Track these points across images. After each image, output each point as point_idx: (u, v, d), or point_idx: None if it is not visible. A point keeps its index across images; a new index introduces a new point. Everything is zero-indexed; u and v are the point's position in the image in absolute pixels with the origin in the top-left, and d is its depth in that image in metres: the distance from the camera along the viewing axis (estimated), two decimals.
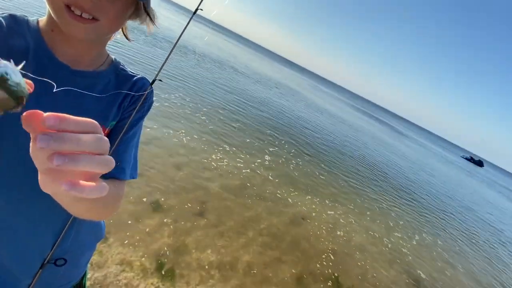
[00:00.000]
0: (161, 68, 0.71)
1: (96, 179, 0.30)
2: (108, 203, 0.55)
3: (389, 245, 4.21)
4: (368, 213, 5.05)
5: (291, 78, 35.82)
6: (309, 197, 4.48)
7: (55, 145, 0.25)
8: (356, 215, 4.70)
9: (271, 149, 5.76)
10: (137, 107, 0.67)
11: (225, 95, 8.72)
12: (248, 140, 5.63)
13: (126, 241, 2.10)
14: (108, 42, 0.67)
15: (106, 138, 0.29)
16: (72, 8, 0.49)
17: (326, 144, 9.02)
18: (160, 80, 0.68)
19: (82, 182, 0.28)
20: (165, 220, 2.47)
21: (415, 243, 4.77)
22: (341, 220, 4.24)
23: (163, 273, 2.00)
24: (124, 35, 0.71)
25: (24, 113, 0.26)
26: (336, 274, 2.89)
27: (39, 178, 0.31)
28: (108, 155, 0.56)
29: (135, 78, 0.69)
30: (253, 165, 4.57)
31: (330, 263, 3.02)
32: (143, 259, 2.03)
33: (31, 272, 0.62)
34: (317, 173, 5.74)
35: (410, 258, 4.13)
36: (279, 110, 10.56)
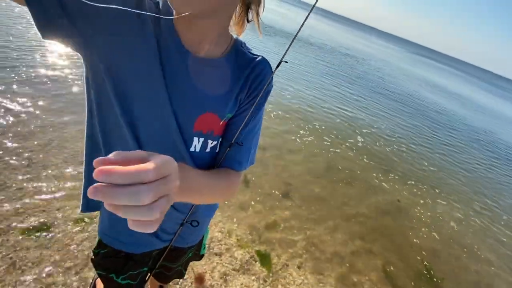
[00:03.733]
0: (287, 50, 0.65)
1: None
2: (216, 195, 0.64)
3: None
4: (504, 217, 4.10)
5: (390, 51, 31.27)
6: (411, 184, 4.00)
7: (100, 198, 0.28)
8: (482, 217, 3.88)
9: (365, 131, 5.33)
10: (260, 94, 0.64)
11: (317, 72, 8.39)
12: (338, 120, 5.35)
13: (223, 213, 2.38)
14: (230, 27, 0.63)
15: (144, 188, 0.29)
16: None
17: (441, 126, 7.70)
18: (286, 62, 0.65)
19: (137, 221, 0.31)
20: (254, 198, 2.66)
21: None
22: (453, 216, 3.63)
23: (255, 244, 2.19)
24: (246, 19, 0.64)
25: (95, 163, 0.30)
26: (435, 277, 2.54)
27: None
28: (228, 148, 0.67)
29: (254, 62, 0.65)
30: (343, 146, 4.35)
31: (429, 262, 2.67)
32: (239, 230, 2.26)
33: (173, 230, 0.78)
34: (426, 163, 4.94)
35: None
36: (381, 88, 9.52)
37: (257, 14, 0.63)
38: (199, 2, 0.48)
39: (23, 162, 2.10)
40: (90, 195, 0.28)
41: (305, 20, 0.61)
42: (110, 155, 0.31)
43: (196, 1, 0.48)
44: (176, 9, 0.49)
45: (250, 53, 0.66)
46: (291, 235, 2.41)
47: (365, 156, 4.28)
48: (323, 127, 4.74)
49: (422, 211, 3.45)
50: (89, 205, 0.74)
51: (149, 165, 0.30)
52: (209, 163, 0.70)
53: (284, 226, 2.48)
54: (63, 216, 1.83)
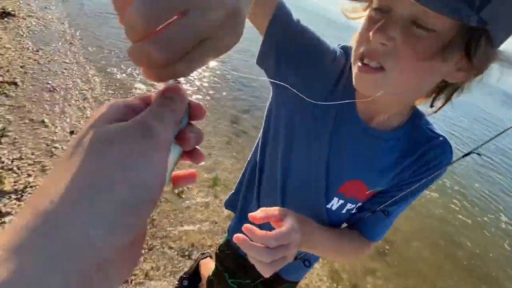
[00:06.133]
0: (486, 142, 0.54)
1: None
2: (339, 256, 0.72)
3: None
4: None
5: None
6: None
7: (239, 245, 0.43)
8: None
9: None
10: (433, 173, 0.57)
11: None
12: (477, 185, 4.35)
13: None
14: (419, 105, 0.57)
15: (265, 252, 0.43)
16: (365, 60, 0.44)
17: None
18: (478, 154, 0.54)
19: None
20: None
21: None
22: None
23: None
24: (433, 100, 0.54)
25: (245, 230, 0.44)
26: None
27: None
28: (371, 213, 0.65)
29: (434, 142, 0.58)
30: (478, 218, 3.55)
31: None
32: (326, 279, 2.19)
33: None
34: None
35: None
36: None
37: (451, 95, 0.53)
38: (389, 89, 0.44)
39: None
40: (234, 239, 0.43)
41: None
42: (258, 212, 0.47)
43: (387, 88, 0.44)
44: (361, 91, 0.49)
45: (430, 129, 0.59)
46: None
47: (506, 241, 3.37)
48: (455, 187, 4.00)
49: None
50: (232, 205, 0.88)
51: (276, 235, 0.43)
52: (342, 221, 0.72)
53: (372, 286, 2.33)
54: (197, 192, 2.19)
